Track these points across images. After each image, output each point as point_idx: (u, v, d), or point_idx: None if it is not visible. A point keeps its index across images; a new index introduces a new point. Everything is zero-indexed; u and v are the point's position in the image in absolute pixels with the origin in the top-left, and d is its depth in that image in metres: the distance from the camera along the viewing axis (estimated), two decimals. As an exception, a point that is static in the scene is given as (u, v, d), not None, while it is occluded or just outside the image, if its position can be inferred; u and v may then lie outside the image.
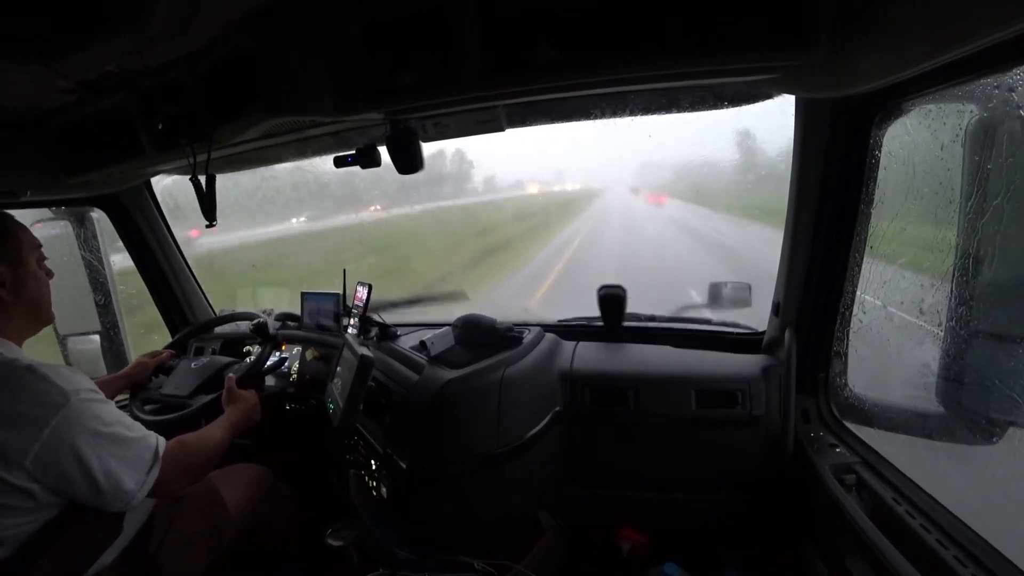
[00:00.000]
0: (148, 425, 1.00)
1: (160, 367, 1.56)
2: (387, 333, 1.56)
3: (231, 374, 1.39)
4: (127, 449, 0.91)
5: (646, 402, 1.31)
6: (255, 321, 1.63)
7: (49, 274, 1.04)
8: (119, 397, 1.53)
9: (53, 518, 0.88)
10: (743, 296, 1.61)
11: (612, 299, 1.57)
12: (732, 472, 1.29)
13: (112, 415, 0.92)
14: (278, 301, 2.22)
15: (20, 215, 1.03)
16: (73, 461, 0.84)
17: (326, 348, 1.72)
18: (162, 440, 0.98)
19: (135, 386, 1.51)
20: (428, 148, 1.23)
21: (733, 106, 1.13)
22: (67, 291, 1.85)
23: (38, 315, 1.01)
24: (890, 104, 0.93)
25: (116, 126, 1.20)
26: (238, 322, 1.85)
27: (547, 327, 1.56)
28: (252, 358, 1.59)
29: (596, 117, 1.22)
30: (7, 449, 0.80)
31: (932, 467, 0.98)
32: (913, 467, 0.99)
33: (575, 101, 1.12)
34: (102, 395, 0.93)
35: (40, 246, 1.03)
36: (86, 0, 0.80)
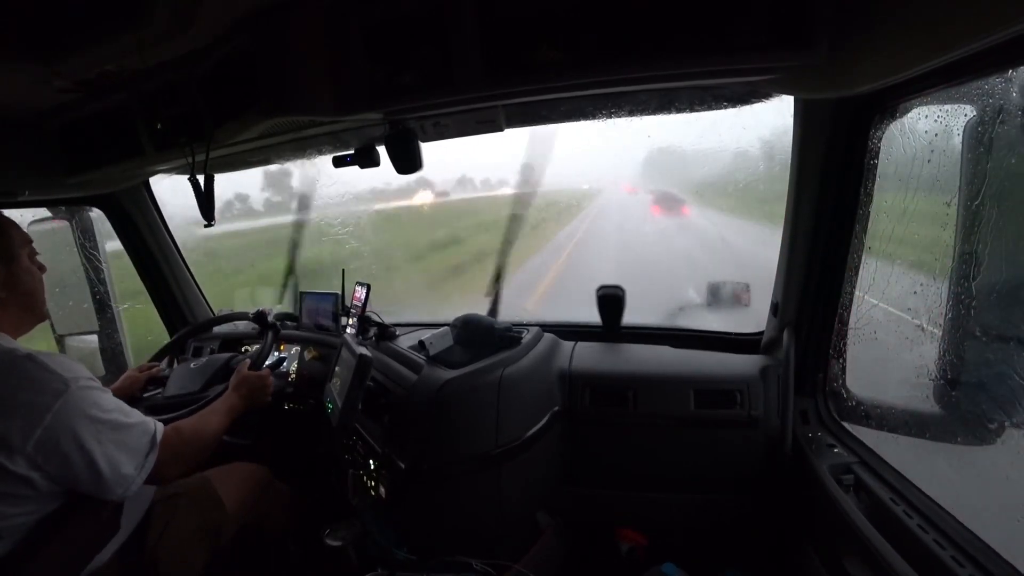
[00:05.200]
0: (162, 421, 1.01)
1: (151, 379, 1.54)
2: (386, 333, 1.56)
3: (247, 359, 1.40)
4: (126, 435, 0.92)
5: (645, 402, 1.31)
6: (254, 311, 1.65)
7: (41, 268, 1.04)
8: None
9: (51, 512, 0.88)
10: (742, 296, 1.61)
11: (611, 299, 1.57)
12: (731, 472, 1.29)
13: (110, 402, 0.93)
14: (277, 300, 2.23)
15: (20, 214, 1.03)
16: (75, 447, 0.85)
17: (324, 348, 1.72)
18: (160, 425, 0.99)
19: (127, 400, 1.50)
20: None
21: (732, 106, 1.13)
22: (65, 290, 1.85)
23: (34, 310, 1.02)
24: (889, 105, 0.93)
25: (115, 126, 1.20)
26: (236, 322, 1.85)
27: (546, 327, 1.56)
28: (256, 347, 1.58)
29: (596, 117, 1.22)
30: (8, 436, 0.80)
31: (928, 466, 0.98)
32: (909, 465, 0.99)
33: (575, 101, 1.12)
34: (99, 383, 0.94)
35: (31, 241, 1.02)
36: (86, 0, 0.80)
